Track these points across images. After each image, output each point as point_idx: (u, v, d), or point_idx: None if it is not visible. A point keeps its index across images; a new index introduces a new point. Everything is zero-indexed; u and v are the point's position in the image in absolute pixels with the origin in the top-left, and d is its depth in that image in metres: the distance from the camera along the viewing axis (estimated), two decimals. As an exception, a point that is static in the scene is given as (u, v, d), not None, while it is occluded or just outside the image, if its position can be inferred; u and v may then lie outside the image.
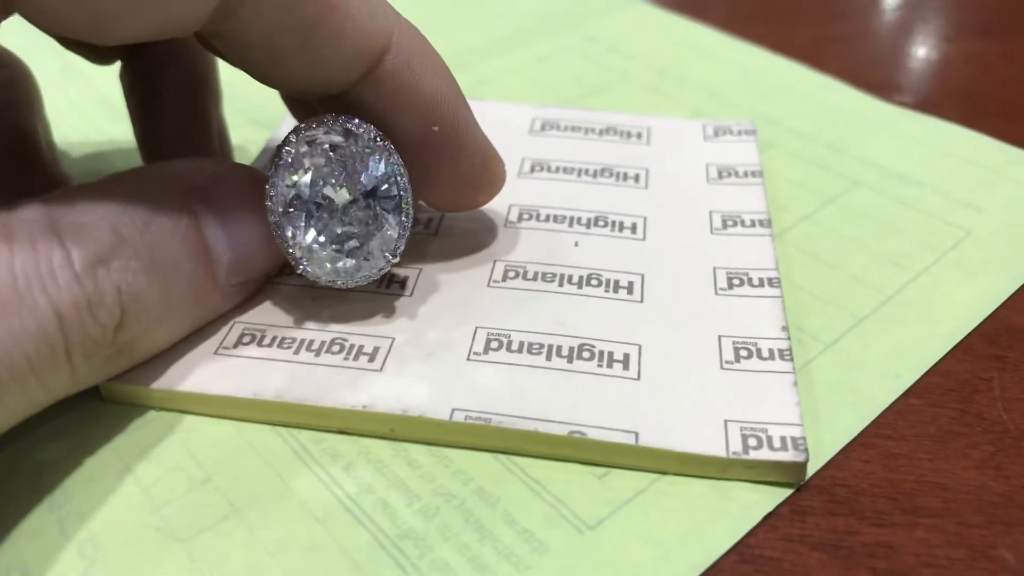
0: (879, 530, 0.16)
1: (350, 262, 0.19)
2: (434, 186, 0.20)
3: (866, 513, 0.17)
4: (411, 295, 0.21)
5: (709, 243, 0.22)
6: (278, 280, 0.21)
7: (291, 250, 0.18)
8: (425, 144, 0.19)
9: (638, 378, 0.18)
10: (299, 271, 0.19)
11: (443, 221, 0.23)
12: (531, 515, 0.16)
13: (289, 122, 0.26)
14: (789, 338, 0.19)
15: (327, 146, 0.18)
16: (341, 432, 0.18)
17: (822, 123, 0.28)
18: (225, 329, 0.19)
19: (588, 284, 0.21)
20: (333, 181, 0.18)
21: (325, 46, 0.17)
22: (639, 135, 0.27)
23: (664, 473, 0.17)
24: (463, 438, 0.18)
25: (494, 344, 0.19)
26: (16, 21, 0.17)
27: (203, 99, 0.23)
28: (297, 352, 0.19)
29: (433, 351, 0.19)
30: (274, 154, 0.18)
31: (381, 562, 0.16)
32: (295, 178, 0.18)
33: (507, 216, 0.23)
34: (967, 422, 0.18)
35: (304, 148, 0.18)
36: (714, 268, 0.21)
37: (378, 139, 0.18)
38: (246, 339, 0.19)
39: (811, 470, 0.17)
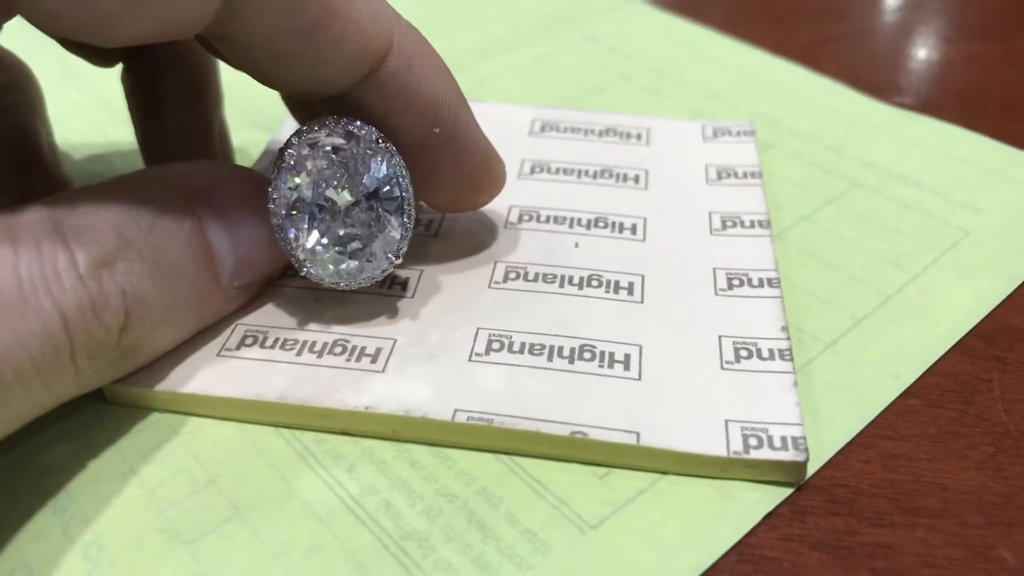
0: (879, 530, 0.16)
1: (353, 264, 0.19)
2: (435, 187, 0.21)
3: (866, 513, 0.17)
4: (413, 296, 0.21)
5: (709, 244, 0.22)
6: (280, 282, 0.21)
7: (294, 252, 0.19)
8: (426, 145, 0.19)
9: (639, 378, 0.18)
10: (302, 273, 0.19)
11: (444, 223, 0.23)
12: (533, 515, 0.17)
13: (290, 124, 0.26)
14: (789, 338, 0.19)
15: (329, 148, 0.18)
16: (344, 433, 0.18)
17: (821, 124, 0.28)
18: (228, 331, 0.20)
19: (589, 285, 0.21)
20: (335, 183, 0.18)
21: (326, 48, 0.17)
22: (639, 136, 0.27)
23: (665, 473, 0.17)
24: (465, 439, 0.18)
25: (495, 345, 0.19)
26: (18, 23, 0.17)
27: (204, 101, 0.23)
28: (299, 354, 0.19)
29: (435, 352, 0.19)
30: (276, 157, 0.18)
31: (384, 563, 0.16)
32: (297, 180, 0.18)
33: (507, 217, 0.23)
34: (967, 423, 0.19)
35: (306, 150, 0.18)
36: (714, 269, 0.21)
37: (380, 140, 0.18)
38: (249, 341, 0.19)
39: (811, 470, 0.17)
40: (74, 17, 0.16)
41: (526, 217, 0.23)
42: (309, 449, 0.18)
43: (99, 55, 0.23)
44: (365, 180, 0.18)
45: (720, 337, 0.19)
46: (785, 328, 0.20)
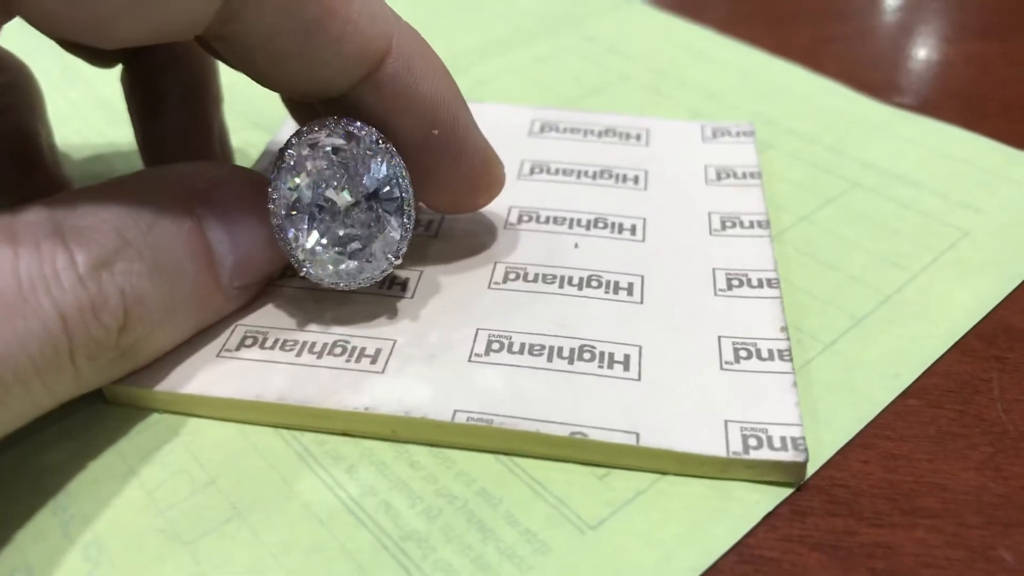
0: (878, 531, 0.16)
1: (352, 264, 0.19)
2: (434, 188, 0.21)
3: (865, 513, 0.17)
4: (412, 297, 0.21)
5: (708, 244, 0.22)
6: (280, 283, 0.21)
7: (294, 253, 0.19)
8: (425, 147, 0.19)
9: (639, 379, 0.18)
10: (302, 273, 0.19)
11: (443, 223, 0.23)
12: (533, 516, 0.17)
13: (290, 125, 0.26)
14: (788, 338, 0.19)
15: (329, 149, 0.18)
16: (344, 434, 0.18)
17: (821, 124, 0.28)
18: (227, 332, 0.20)
19: (588, 285, 0.21)
20: (335, 183, 0.18)
21: (325, 49, 0.17)
22: (638, 137, 0.27)
23: (665, 473, 0.17)
24: (465, 439, 0.18)
25: (495, 345, 0.19)
26: (17, 24, 0.17)
27: (204, 102, 0.23)
28: (299, 354, 0.19)
29: (435, 353, 0.19)
30: (276, 157, 0.18)
31: (384, 563, 0.16)
32: (297, 181, 0.18)
33: (507, 218, 0.23)
34: (966, 423, 0.19)
35: (306, 151, 0.18)
36: (713, 269, 0.21)
37: (380, 141, 0.18)
38: (248, 342, 0.19)
39: (810, 470, 0.17)
40: (73, 18, 0.16)
41: (526, 218, 0.23)
42: (309, 450, 0.18)
43: (98, 56, 0.23)
44: (365, 181, 0.18)
45: (719, 337, 0.19)
46: (784, 328, 0.20)
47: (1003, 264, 0.22)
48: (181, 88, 0.23)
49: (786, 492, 0.17)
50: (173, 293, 0.18)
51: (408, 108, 0.19)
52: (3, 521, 0.17)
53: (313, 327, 0.20)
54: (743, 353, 0.19)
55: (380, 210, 0.19)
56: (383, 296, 0.21)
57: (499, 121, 0.27)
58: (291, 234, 0.18)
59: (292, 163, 0.18)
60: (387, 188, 0.18)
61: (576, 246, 0.22)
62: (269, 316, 0.20)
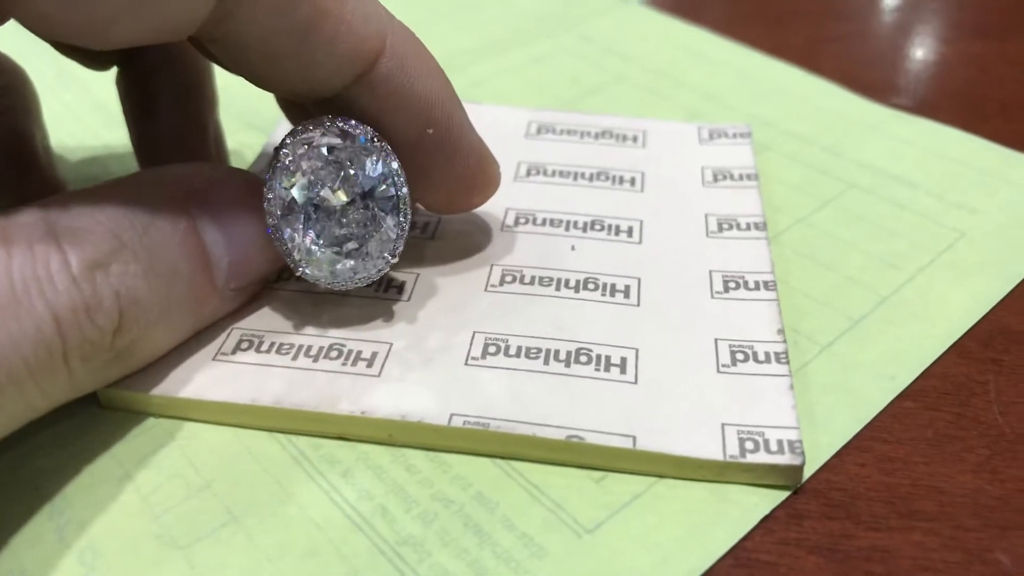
0: (875, 534, 0.16)
1: (349, 263, 0.19)
2: (428, 188, 0.21)
3: (862, 517, 0.17)
4: (409, 300, 0.21)
5: (705, 246, 0.22)
6: (276, 286, 0.21)
7: (290, 253, 0.18)
8: (419, 146, 0.19)
9: (635, 382, 0.18)
10: (298, 274, 0.19)
11: (440, 225, 0.23)
12: (530, 519, 0.17)
13: (285, 126, 0.26)
14: (785, 341, 0.19)
15: (324, 148, 0.18)
16: (340, 438, 0.18)
17: (818, 126, 0.28)
18: (223, 335, 0.20)
19: (585, 288, 0.21)
20: (330, 183, 0.18)
21: (319, 49, 0.17)
22: (635, 138, 0.27)
23: (661, 476, 0.17)
24: (461, 443, 0.18)
25: (492, 349, 0.19)
26: (12, 27, 0.17)
27: (199, 104, 0.23)
28: (295, 358, 0.19)
29: (431, 356, 0.19)
30: (271, 157, 0.18)
31: (380, 568, 0.16)
32: (293, 180, 0.18)
33: (503, 220, 0.23)
34: (963, 425, 0.19)
35: (301, 150, 0.18)
36: (710, 271, 0.21)
37: (375, 140, 0.18)
38: (244, 345, 0.19)
39: (807, 473, 0.17)
40: (68, 21, 0.16)
41: (522, 220, 0.23)
42: (305, 454, 0.18)
43: (93, 58, 0.23)
44: (360, 180, 0.18)
45: (716, 340, 0.19)
46: (781, 331, 0.20)
47: (1000, 265, 0.22)
48: (176, 90, 0.23)
49: (783, 495, 0.17)
50: (168, 294, 0.18)
51: (402, 107, 0.19)
52: (-2, 526, 0.16)
53: (309, 330, 0.20)
54: (740, 356, 0.19)
55: (376, 209, 0.18)
56: (379, 299, 0.21)
57: (495, 122, 0.27)
58: (287, 234, 0.18)
59: (287, 163, 0.18)
60: (383, 187, 0.18)
61: (573, 248, 0.22)
62: (265, 319, 0.20)
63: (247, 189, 0.19)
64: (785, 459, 0.17)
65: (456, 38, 0.35)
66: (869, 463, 0.18)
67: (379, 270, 0.19)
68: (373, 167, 0.18)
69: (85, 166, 0.27)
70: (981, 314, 0.21)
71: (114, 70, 0.24)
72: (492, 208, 0.22)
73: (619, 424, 0.17)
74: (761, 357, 0.19)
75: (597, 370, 0.19)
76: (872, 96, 0.30)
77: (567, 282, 0.21)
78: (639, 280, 0.21)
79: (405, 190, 0.19)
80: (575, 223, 0.23)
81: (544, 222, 0.23)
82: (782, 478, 0.17)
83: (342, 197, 0.18)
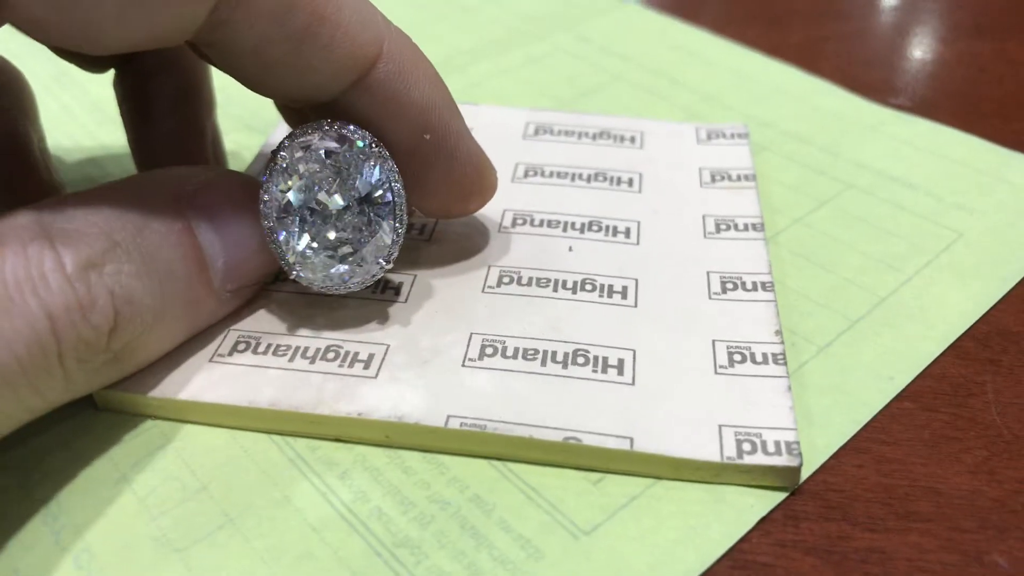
0: (872, 535, 0.16)
1: (344, 268, 0.19)
2: (425, 193, 0.21)
3: (859, 518, 0.17)
4: (405, 301, 0.21)
5: (702, 247, 0.22)
6: (272, 287, 0.21)
7: (284, 255, 0.18)
8: (416, 152, 0.19)
9: (632, 383, 0.18)
10: (292, 277, 0.19)
11: (437, 227, 0.23)
12: (526, 521, 0.17)
13: (283, 128, 0.26)
14: (783, 342, 0.19)
15: (322, 152, 0.18)
16: (336, 440, 0.18)
17: (816, 126, 0.28)
18: (220, 337, 0.19)
19: (582, 289, 0.21)
20: (327, 187, 0.18)
21: (315, 55, 0.17)
22: (632, 139, 0.27)
23: (659, 478, 0.17)
24: (458, 445, 0.18)
25: (489, 350, 0.19)
26: (9, 28, 0.17)
27: (196, 106, 0.23)
28: (292, 360, 0.19)
29: (428, 358, 0.19)
30: (269, 159, 0.18)
31: (377, 570, 0.16)
32: (289, 183, 0.18)
33: (501, 221, 0.23)
34: (960, 426, 0.19)
35: (299, 153, 0.18)
36: (707, 272, 0.21)
37: (373, 144, 0.18)
38: (241, 347, 0.19)
39: (804, 475, 0.17)
40: (61, 25, 0.16)
41: (519, 221, 0.23)
42: (301, 456, 0.18)
43: (90, 61, 0.23)
44: (357, 184, 0.18)
45: (714, 341, 0.19)
46: (779, 332, 0.20)
47: (998, 266, 0.22)
48: (173, 92, 0.23)
49: (780, 496, 0.17)
50: (164, 295, 0.18)
51: (399, 113, 0.19)
52: (-6, 529, 0.16)
53: (306, 332, 0.20)
54: (737, 357, 0.19)
55: (372, 214, 0.18)
56: (376, 300, 0.21)
57: (493, 123, 0.27)
58: (282, 236, 0.18)
59: (284, 165, 0.18)
60: (379, 192, 0.18)
61: (570, 249, 0.22)
62: (262, 321, 0.20)
63: (243, 191, 0.19)
64: (782, 460, 0.17)
65: (454, 39, 0.35)
66: (866, 464, 0.18)
67: (373, 275, 0.19)
68: (370, 172, 0.18)
69: (83, 167, 0.27)
70: (979, 315, 0.21)
71: (112, 72, 0.24)
72: (489, 209, 0.22)
73: (616, 426, 0.17)
74: (759, 358, 0.19)
75: (594, 371, 0.19)
76: (870, 96, 0.30)
77: (564, 283, 0.21)
78: (637, 281, 0.21)
79: (402, 196, 0.19)
80: (572, 224, 0.23)
81: (542, 223, 0.23)
82: (779, 479, 0.17)
83: (338, 201, 0.18)
